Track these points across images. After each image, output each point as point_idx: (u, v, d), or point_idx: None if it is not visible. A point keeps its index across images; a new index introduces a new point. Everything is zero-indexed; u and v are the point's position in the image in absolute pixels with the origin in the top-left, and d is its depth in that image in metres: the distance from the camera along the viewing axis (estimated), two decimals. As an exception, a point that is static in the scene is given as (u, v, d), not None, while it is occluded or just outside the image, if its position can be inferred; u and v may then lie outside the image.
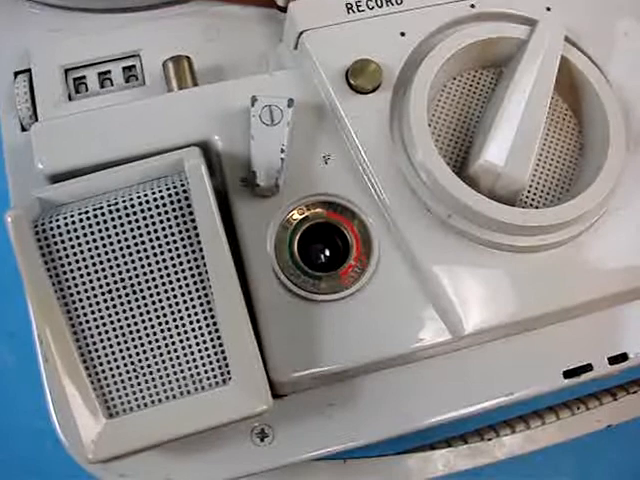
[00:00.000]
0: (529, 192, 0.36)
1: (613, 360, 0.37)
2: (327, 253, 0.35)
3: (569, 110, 0.38)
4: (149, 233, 0.30)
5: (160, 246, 0.30)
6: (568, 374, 0.37)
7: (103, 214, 0.30)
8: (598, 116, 0.36)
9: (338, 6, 0.37)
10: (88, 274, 0.30)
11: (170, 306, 0.30)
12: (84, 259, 0.30)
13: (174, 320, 0.30)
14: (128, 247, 0.30)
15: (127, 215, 0.30)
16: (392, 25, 0.37)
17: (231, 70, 0.39)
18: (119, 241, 0.30)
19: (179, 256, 0.30)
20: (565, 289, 0.35)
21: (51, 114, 0.38)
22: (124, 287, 0.30)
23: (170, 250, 0.30)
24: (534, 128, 0.35)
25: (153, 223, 0.30)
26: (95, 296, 0.30)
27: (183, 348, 0.30)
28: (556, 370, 0.37)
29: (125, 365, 0.30)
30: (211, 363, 0.30)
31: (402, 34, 0.37)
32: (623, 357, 0.37)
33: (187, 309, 0.30)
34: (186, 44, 0.39)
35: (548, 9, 0.38)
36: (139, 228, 0.30)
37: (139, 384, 0.30)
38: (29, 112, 0.38)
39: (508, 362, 0.37)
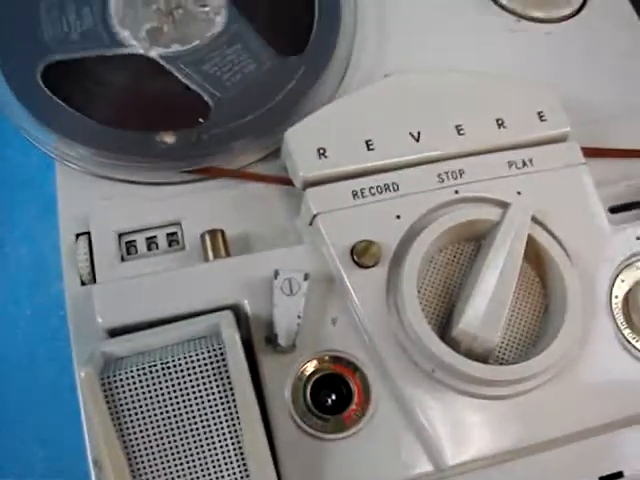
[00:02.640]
0: (501, 349, 0.43)
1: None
2: (334, 398, 0.41)
3: (537, 277, 0.45)
4: (192, 387, 0.37)
5: (201, 397, 0.37)
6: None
7: (157, 370, 0.37)
8: (559, 284, 0.43)
9: (345, 192, 0.44)
10: (143, 418, 0.37)
11: (208, 445, 0.37)
12: (140, 406, 0.37)
13: (211, 456, 0.37)
14: (176, 397, 0.37)
15: (176, 372, 0.37)
16: (389, 209, 0.44)
17: (258, 238, 0.47)
18: (169, 392, 0.37)
19: (216, 405, 0.37)
20: (531, 428, 0.41)
21: (106, 272, 0.45)
22: (172, 429, 0.37)
23: (209, 400, 0.37)
24: (504, 297, 0.41)
25: (196, 378, 0.37)
26: (148, 436, 0.37)
27: (217, 478, 0.37)
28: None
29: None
30: (239, 491, 0.37)
31: (398, 217, 0.44)
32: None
33: (221, 447, 0.37)
34: (219, 215, 0.47)
35: (519, 193, 0.45)
36: (185, 382, 0.37)
37: (180, 508, 0.37)
38: (88, 269, 0.45)
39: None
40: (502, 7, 0.59)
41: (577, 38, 0.59)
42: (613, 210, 0.49)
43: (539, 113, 0.48)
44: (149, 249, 0.47)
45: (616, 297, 0.45)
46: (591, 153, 0.49)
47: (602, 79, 0.57)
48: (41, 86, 0.49)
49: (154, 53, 0.52)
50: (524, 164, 0.46)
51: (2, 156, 0.78)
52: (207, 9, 0.54)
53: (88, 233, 0.47)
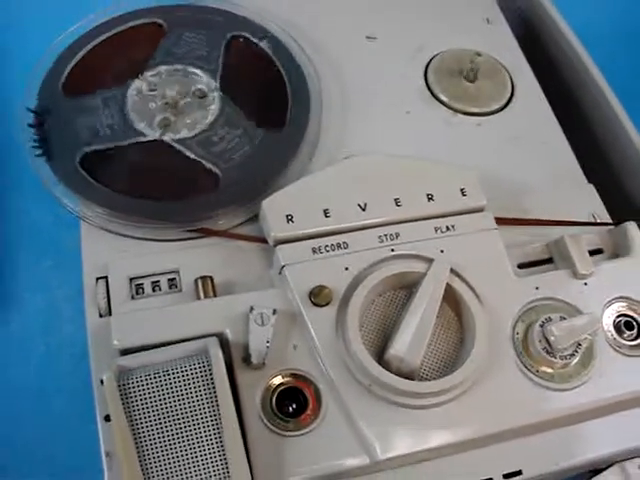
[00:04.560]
0: (425, 370, 0.53)
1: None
2: (294, 406, 0.51)
3: (455, 316, 0.56)
4: (186, 391, 0.49)
5: (193, 399, 0.49)
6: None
7: (160, 377, 0.49)
8: (470, 321, 0.54)
9: (306, 249, 0.55)
10: (149, 413, 0.48)
11: (196, 435, 0.48)
12: (146, 404, 0.48)
13: (198, 443, 0.48)
14: (173, 399, 0.49)
15: (174, 379, 0.49)
16: (340, 262, 0.54)
17: (239, 283, 0.57)
18: (168, 394, 0.49)
19: (204, 406, 0.49)
20: (446, 433, 0.52)
21: (120, 308, 0.56)
22: (170, 422, 0.48)
23: (199, 402, 0.49)
24: (426, 330, 0.52)
25: (189, 385, 0.49)
26: (152, 427, 0.48)
27: (203, 461, 0.49)
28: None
29: (170, 467, 0.48)
30: (217, 471, 0.48)
31: (346, 268, 0.54)
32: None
33: (206, 437, 0.48)
34: (210, 265, 0.58)
35: (442, 251, 0.56)
36: (180, 388, 0.49)
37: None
38: (105, 306, 0.56)
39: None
40: (442, 103, 0.73)
41: (502, 129, 0.72)
42: (520, 266, 0.61)
43: (461, 190, 0.60)
44: (153, 291, 0.57)
45: (517, 333, 0.56)
46: (506, 222, 0.62)
47: (520, 161, 0.70)
48: (81, 171, 0.63)
49: (167, 138, 0.65)
50: (447, 229, 0.57)
51: (27, 213, 0.89)
52: (204, 99, 0.68)
53: (106, 277, 0.57)
